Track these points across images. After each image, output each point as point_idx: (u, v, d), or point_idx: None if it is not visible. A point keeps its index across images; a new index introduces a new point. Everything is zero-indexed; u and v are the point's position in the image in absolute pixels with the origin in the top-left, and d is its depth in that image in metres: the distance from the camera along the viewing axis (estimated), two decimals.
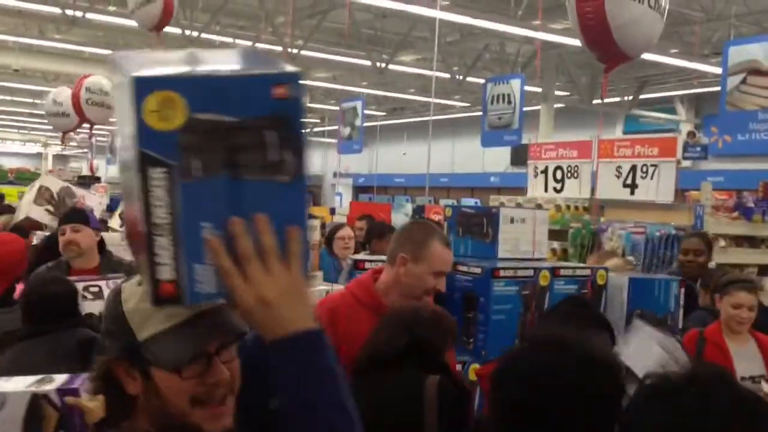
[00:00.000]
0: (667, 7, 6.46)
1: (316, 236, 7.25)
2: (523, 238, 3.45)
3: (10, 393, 1.79)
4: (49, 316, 3.05)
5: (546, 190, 9.15)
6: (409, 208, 15.23)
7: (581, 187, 8.82)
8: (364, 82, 22.02)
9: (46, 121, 18.55)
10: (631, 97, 19.63)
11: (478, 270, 3.17)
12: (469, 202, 20.50)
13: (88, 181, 17.74)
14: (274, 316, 1.22)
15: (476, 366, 3.01)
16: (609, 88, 19.19)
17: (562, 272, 3.34)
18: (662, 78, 19.21)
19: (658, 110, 21.11)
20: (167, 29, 10.37)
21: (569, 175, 8.92)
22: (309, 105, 21.96)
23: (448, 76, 17.54)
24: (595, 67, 14.24)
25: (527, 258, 3.44)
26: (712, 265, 6.76)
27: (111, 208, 8.92)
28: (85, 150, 33.02)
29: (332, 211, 15.62)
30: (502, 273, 3.15)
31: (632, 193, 8.18)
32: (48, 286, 3.24)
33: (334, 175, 28.09)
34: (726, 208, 8.25)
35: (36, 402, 1.79)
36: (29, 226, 6.53)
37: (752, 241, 8.23)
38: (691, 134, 19.95)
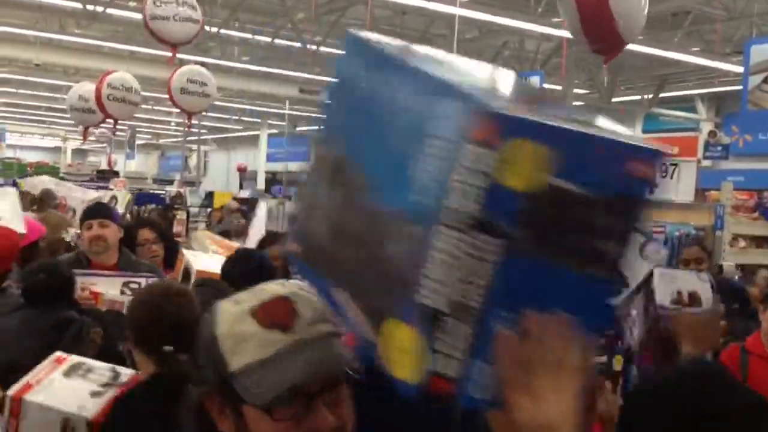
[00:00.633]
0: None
1: None
2: None
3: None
4: (37, 295, 3.17)
5: None
6: None
7: None
8: None
9: (65, 115, 18.69)
10: (650, 96, 19.49)
11: None
12: None
13: (107, 175, 17.92)
14: None
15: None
16: (628, 87, 19.19)
17: None
18: (682, 76, 19.03)
19: (677, 109, 20.95)
20: None
21: None
22: None
23: None
24: (614, 65, 14.14)
25: None
26: (730, 265, 6.70)
27: (138, 204, 8.84)
28: (104, 144, 33.23)
29: None
30: None
31: (651, 192, 8.11)
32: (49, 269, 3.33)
33: None
34: (746, 208, 8.20)
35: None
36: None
37: None
38: (712, 133, 19.74)
